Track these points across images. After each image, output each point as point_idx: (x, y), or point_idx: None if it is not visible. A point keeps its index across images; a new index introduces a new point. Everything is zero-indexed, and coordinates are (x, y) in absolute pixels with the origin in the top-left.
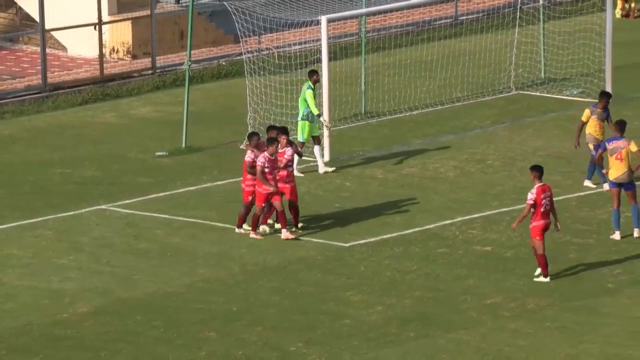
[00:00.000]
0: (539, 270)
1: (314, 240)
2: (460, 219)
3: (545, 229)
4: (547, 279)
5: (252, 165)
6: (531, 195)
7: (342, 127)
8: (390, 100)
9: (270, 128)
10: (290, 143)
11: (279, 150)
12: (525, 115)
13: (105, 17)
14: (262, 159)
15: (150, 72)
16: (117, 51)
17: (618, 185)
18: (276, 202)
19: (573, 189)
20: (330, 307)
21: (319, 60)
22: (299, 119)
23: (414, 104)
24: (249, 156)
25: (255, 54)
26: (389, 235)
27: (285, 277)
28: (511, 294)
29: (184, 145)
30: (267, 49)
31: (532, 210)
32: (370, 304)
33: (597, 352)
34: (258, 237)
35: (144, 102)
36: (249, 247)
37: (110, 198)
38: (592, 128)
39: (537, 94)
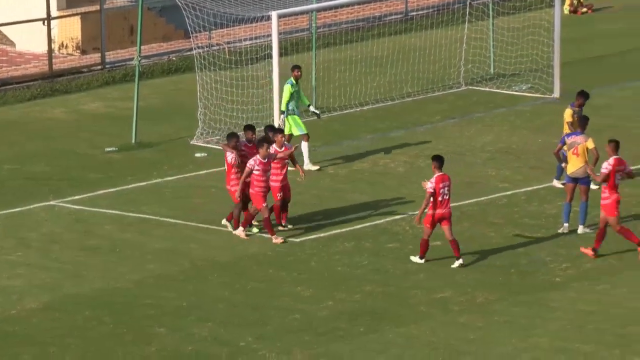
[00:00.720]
0: (456, 263)
1: (265, 235)
2: (410, 213)
3: (441, 218)
4: (422, 261)
5: (238, 165)
6: (430, 185)
7: None
8: (341, 95)
9: (247, 128)
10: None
11: (280, 150)
12: (475, 110)
13: (54, 12)
14: (252, 162)
15: (99, 67)
16: (66, 46)
17: (574, 180)
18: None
19: (522, 184)
20: (280, 302)
21: (270, 56)
22: (296, 113)
23: (364, 100)
24: (231, 158)
25: (205, 49)
26: (339, 231)
27: (236, 272)
28: (461, 288)
29: (133, 140)
30: (217, 44)
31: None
32: (321, 299)
33: (545, 345)
34: (279, 241)
35: (94, 97)
36: (199, 242)
37: (60, 194)
38: (569, 126)
39: (487, 89)
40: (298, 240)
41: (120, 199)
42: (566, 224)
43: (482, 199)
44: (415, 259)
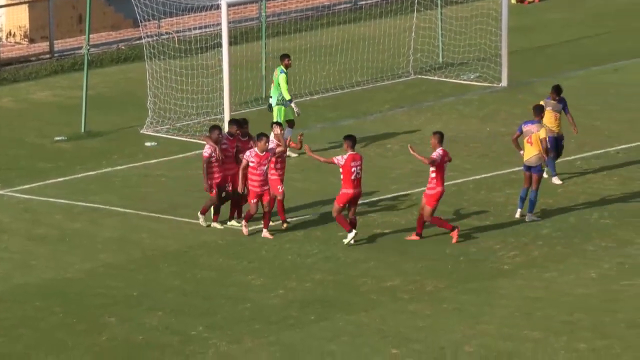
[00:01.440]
0: (349, 236)
1: (216, 224)
2: (360, 202)
3: (352, 198)
4: (354, 232)
5: (209, 161)
6: (340, 159)
7: (242, 111)
8: (291, 84)
9: (232, 122)
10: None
11: (272, 145)
12: (424, 99)
13: (1, 1)
14: (248, 154)
15: (48, 56)
16: (14, 35)
17: (528, 168)
18: (264, 202)
19: (470, 172)
20: (231, 291)
21: (219, 45)
22: (274, 104)
23: (314, 89)
24: (206, 151)
25: (154, 38)
26: (289, 219)
27: (186, 261)
28: (410, 277)
29: (83, 130)
30: (166, 33)
31: (340, 176)
32: (271, 287)
33: (494, 332)
34: (245, 231)
35: (42, 86)
36: (150, 232)
37: (8, 183)
38: (547, 120)
39: (435, 78)
40: (249, 228)
41: (69, 188)
42: (519, 210)
43: None
44: (347, 240)
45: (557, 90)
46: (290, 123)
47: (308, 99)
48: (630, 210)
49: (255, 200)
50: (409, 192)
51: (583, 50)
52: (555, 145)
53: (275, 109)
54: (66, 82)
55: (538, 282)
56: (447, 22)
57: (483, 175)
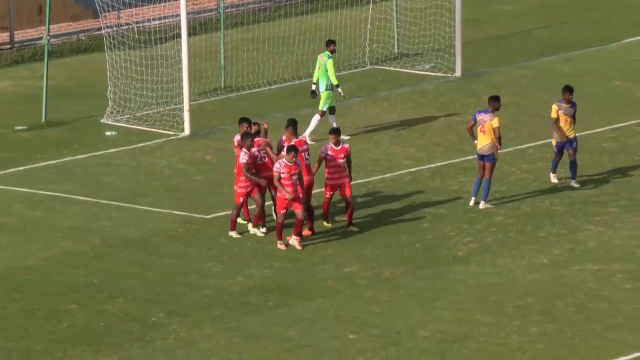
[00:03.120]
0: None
1: (176, 212)
2: (319, 190)
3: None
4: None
5: (248, 167)
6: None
7: (201, 101)
8: (249, 74)
9: (242, 120)
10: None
11: (336, 148)
12: (380, 89)
13: None
14: (277, 165)
15: (8, 46)
16: None
17: (481, 156)
18: (297, 210)
19: (425, 160)
20: (191, 278)
21: (179, 36)
22: (323, 89)
23: (272, 79)
24: (243, 158)
25: (114, 28)
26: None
27: (147, 249)
28: (368, 263)
29: (43, 119)
30: (126, 23)
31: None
32: (231, 274)
33: (449, 317)
34: (283, 247)
35: (2, 76)
36: (110, 220)
37: None
38: (561, 125)
39: (391, 68)
40: (208, 216)
41: (30, 177)
42: (473, 198)
43: (388, 175)
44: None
45: (570, 89)
46: (332, 109)
47: (266, 88)
48: (580, 197)
49: (284, 211)
50: (365, 180)
51: (535, 41)
52: (561, 150)
53: (324, 94)
54: (26, 72)
55: (491, 268)
56: (403, 13)
57: (438, 164)
